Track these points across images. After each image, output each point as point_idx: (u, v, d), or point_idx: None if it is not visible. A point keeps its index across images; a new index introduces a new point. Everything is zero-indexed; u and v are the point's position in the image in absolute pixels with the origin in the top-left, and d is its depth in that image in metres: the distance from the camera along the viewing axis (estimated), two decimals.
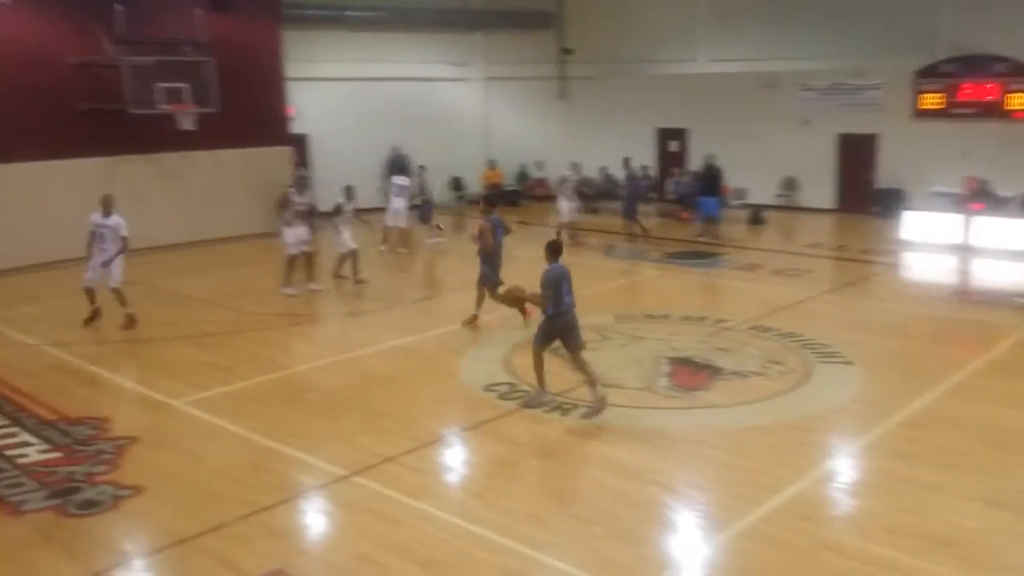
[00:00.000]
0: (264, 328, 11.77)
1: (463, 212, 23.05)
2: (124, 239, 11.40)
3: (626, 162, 19.01)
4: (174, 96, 16.72)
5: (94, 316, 11.79)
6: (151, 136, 17.13)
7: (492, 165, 24.06)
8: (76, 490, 6.90)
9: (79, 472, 7.22)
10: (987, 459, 7.35)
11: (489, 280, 11.39)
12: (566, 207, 18.12)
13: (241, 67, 18.16)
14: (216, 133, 17.61)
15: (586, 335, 10.77)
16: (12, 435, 8.08)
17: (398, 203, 17.16)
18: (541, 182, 24.71)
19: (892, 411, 8.38)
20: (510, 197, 23.59)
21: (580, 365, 8.47)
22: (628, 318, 11.86)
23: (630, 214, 18.54)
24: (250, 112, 18.48)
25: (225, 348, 10.84)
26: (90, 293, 11.67)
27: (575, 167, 19.86)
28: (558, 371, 9.52)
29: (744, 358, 10.06)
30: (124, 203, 17.06)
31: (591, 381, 8.37)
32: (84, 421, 8.34)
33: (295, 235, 13.51)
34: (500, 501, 6.67)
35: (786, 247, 17.95)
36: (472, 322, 11.41)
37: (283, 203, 14.10)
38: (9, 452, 7.67)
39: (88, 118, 16.45)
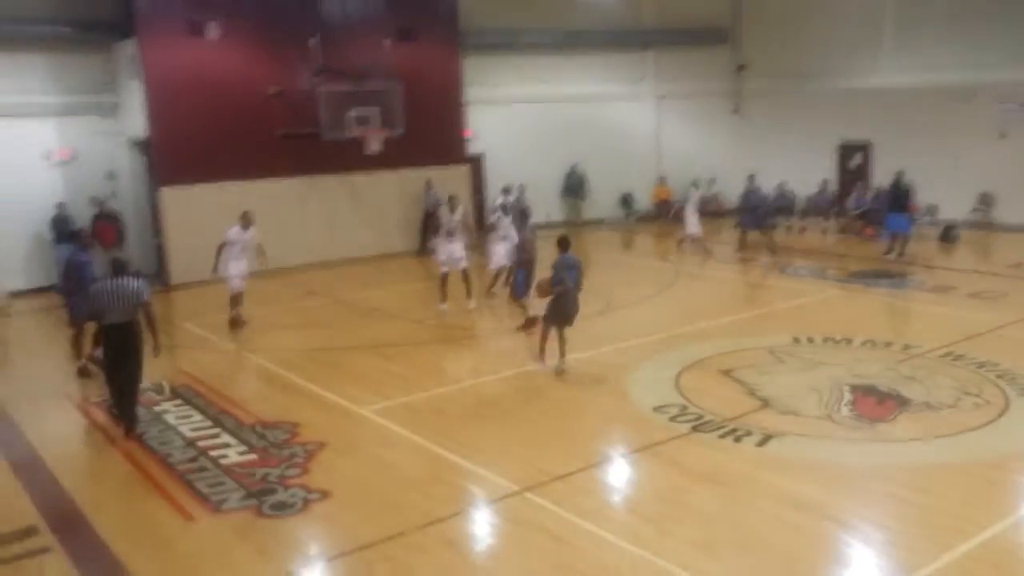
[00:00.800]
0: (442, 341, 12.30)
1: (632, 229, 23.06)
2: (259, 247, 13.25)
3: (750, 179, 19.11)
4: (363, 121, 17.78)
5: (239, 321, 13.29)
6: (341, 157, 18.30)
7: (662, 181, 23.91)
8: (271, 491, 7.45)
9: (274, 474, 7.81)
10: None
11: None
12: (693, 221, 18.34)
13: (424, 92, 19.12)
14: (400, 154, 18.60)
15: (760, 356, 10.70)
16: (215, 436, 8.85)
17: None
18: (715, 198, 24.26)
19: None
20: (678, 213, 23.32)
21: (563, 338, 10.47)
22: (806, 341, 11.45)
23: (752, 225, 18.51)
24: (432, 134, 19.43)
25: (406, 359, 11.39)
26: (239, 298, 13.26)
27: (708, 182, 19.43)
28: (732, 396, 9.40)
29: (935, 388, 9.48)
30: (317, 220, 18.49)
31: (562, 352, 10.45)
32: (279, 425, 9.02)
33: (448, 252, 13.90)
34: (671, 528, 6.63)
35: (982, 267, 16.73)
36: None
37: (434, 221, 14.68)
38: (213, 452, 8.40)
39: (285, 142, 17.82)
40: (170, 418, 9.38)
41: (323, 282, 16.38)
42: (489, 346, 12.68)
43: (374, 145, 18.01)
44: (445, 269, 13.92)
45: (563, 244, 10.63)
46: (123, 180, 17.83)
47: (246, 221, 13.04)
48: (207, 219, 16.91)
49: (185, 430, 9.01)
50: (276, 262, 15.91)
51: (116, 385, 8.96)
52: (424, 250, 19.02)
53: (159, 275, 17.10)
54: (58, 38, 16.84)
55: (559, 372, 10.38)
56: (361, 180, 18.79)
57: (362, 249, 18.67)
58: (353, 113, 17.69)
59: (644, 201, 24.06)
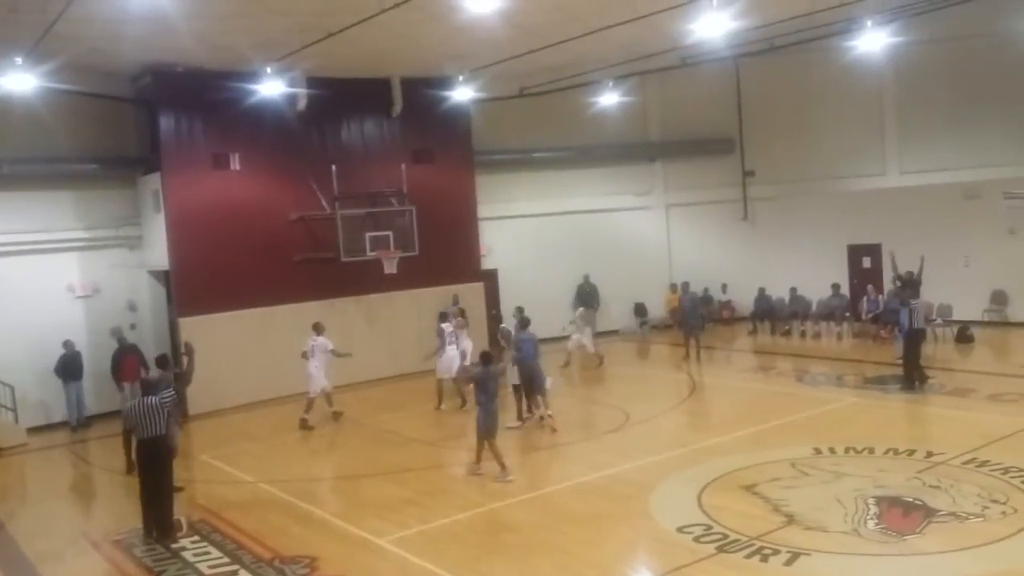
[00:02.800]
0: (459, 463, 12.22)
1: (646, 339, 23.12)
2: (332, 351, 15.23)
3: (684, 286, 20.74)
4: (380, 243, 18.22)
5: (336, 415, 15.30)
6: (358, 279, 18.68)
7: (674, 289, 24.12)
8: None
9: None
10: None
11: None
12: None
13: (440, 211, 19.67)
14: (416, 273, 18.98)
15: (782, 470, 10.59)
16: (233, 573, 8.76)
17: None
18: (727, 305, 24.41)
19: None
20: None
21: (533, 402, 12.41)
22: (828, 452, 11.33)
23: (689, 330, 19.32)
24: (447, 252, 19.89)
25: (423, 484, 11.32)
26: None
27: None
28: (756, 512, 9.27)
29: (960, 497, 9.32)
30: (335, 341, 18.64)
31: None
32: (297, 560, 8.92)
33: (444, 362, 15.50)
34: None
35: (1000, 368, 16.62)
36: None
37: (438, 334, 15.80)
38: None
39: (304, 267, 18.24)
40: (188, 555, 9.31)
41: (343, 405, 16.43)
42: (508, 467, 12.56)
43: (389, 267, 18.37)
44: (442, 376, 15.61)
45: (522, 323, 12.63)
46: (144, 311, 18.18)
47: (318, 329, 15.40)
48: (226, 348, 17.26)
49: (203, 567, 8.93)
50: (294, 387, 16.09)
51: (147, 495, 9.74)
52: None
53: (177, 406, 17.17)
54: (85, 175, 17.50)
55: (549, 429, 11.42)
56: (377, 301, 19.06)
57: (379, 370, 18.78)
58: (369, 236, 18.13)
59: (657, 310, 24.20)
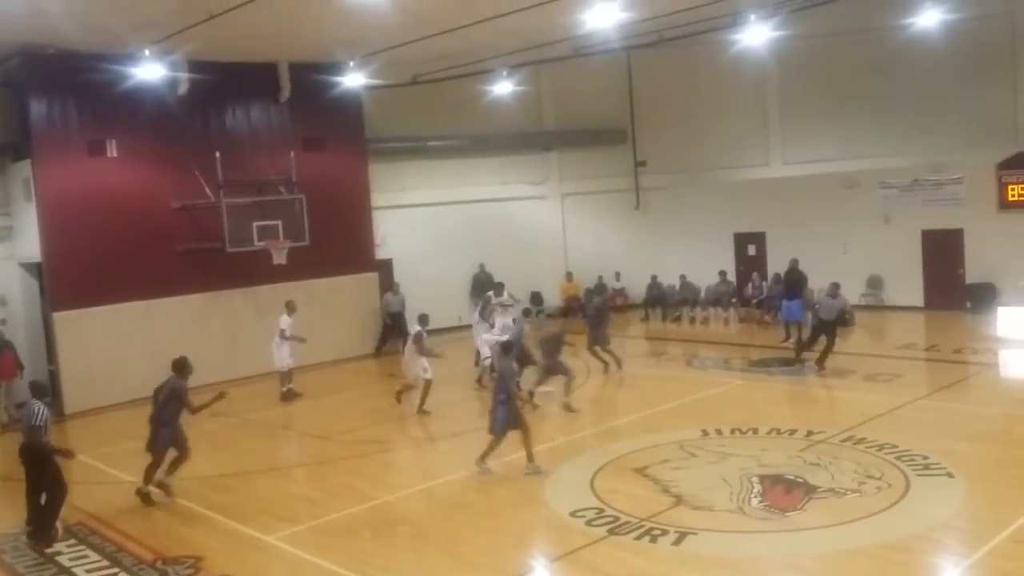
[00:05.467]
0: (352, 457, 12.01)
1: (542, 326, 23.28)
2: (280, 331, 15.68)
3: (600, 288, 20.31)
4: (269, 233, 17.68)
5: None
6: (246, 271, 18.05)
7: (569, 277, 24.41)
8: None
9: None
10: None
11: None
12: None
13: (331, 201, 19.22)
14: (307, 264, 18.47)
15: (671, 452, 10.84)
16: None
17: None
18: (620, 292, 24.85)
19: (999, 527, 7.96)
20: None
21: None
22: (715, 433, 11.67)
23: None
24: (339, 242, 19.45)
25: (315, 479, 11.09)
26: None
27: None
28: (646, 494, 9.45)
29: (839, 473, 9.74)
30: (220, 335, 17.98)
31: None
32: (181, 560, 8.57)
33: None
34: None
35: (876, 350, 17.47)
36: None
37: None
38: None
39: (188, 257, 17.53)
40: (64, 560, 8.83)
41: (227, 401, 15.83)
42: (403, 460, 12.46)
43: (278, 257, 17.87)
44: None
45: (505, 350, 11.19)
46: (16, 306, 17.14)
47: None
48: (104, 343, 16.48)
49: (80, 572, 8.49)
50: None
51: (32, 502, 9.46)
52: (380, 352, 19.99)
53: (51, 404, 16.28)
54: None
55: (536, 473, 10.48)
56: (265, 293, 18.49)
57: (270, 364, 18.21)
58: (257, 225, 17.58)
59: (554, 297, 24.42)
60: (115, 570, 8.50)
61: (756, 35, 17.49)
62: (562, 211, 24.98)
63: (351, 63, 18.46)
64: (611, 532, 8.50)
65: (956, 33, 18.31)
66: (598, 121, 24.69)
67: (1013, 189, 19.87)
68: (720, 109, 23.96)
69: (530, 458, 10.54)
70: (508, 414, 10.43)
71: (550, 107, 24.57)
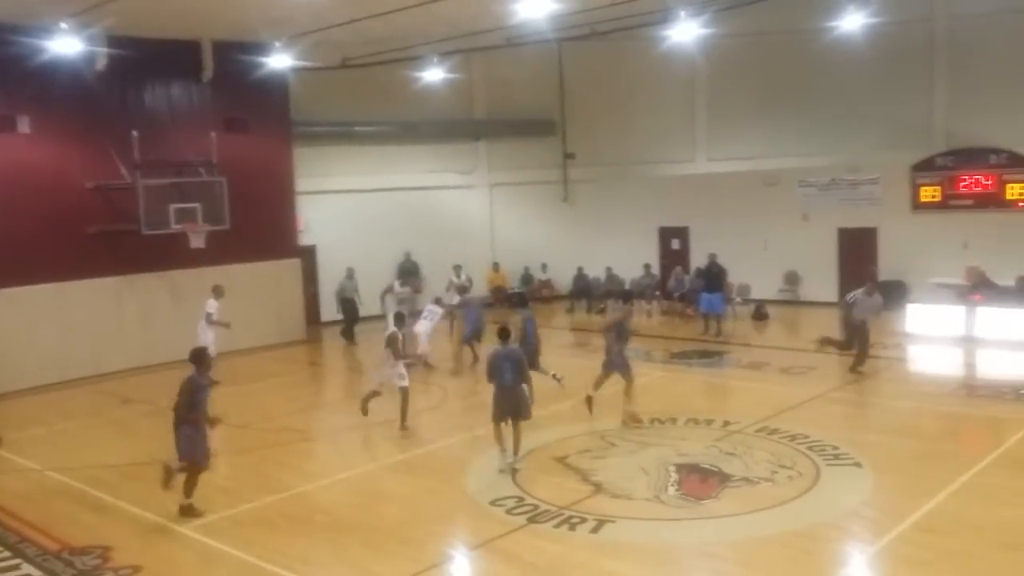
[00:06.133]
0: (271, 446, 11.77)
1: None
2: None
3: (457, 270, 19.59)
4: (187, 216, 17.18)
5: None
6: (163, 254, 17.53)
7: (496, 268, 24.41)
8: None
9: None
10: (1002, 564, 7.22)
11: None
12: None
13: (253, 184, 18.77)
14: (227, 248, 17.99)
15: (592, 442, 10.93)
16: (15, 568, 8.02)
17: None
18: (546, 283, 24.98)
19: (904, 515, 8.25)
20: (514, 299, 23.84)
21: (517, 435, 10.07)
22: (634, 423, 11.81)
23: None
24: (260, 227, 19.03)
25: (231, 468, 10.83)
26: None
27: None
28: (566, 483, 9.52)
29: (752, 463, 9.98)
30: (134, 320, 17.41)
31: (515, 449, 10.04)
32: (88, 550, 8.28)
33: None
34: None
35: (791, 343, 17.95)
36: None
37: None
38: None
39: (101, 239, 16.91)
40: None
41: (141, 388, 15.42)
42: (323, 450, 12.26)
43: (196, 241, 17.39)
44: None
45: (502, 335, 10.31)
46: None
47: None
48: (9, 326, 15.80)
49: None
50: (89, 369, 14.94)
51: None
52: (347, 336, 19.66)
53: None
54: None
55: (506, 470, 9.89)
56: (183, 277, 17.96)
57: (185, 351, 17.71)
58: (174, 207, 17.06)
59: (480, 287, 24.38)
60: (17, 561, 8.15)
61: (685, 32, 17.71)
62: (490, 201, 24.96)
63: (277, 44, 18.03)
64: (530, 520, 8.54)
65: (877, 37, 18.88)
66: (528, 112, 24.73)
67: (926, 190, 20.65)
68: (649, 104, 24.24)
69: (499, 445, 10.17)
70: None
71: (481, 96, 24.50)
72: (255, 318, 18.81)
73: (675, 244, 24.46)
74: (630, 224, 24.53)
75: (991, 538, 7.70)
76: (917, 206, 20.76)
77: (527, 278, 25.17)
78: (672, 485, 9.39)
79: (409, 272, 22.13)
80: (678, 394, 13.85)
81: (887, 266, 20.99)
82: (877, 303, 14.41)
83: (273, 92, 19.72)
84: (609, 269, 23.54)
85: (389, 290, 19.59)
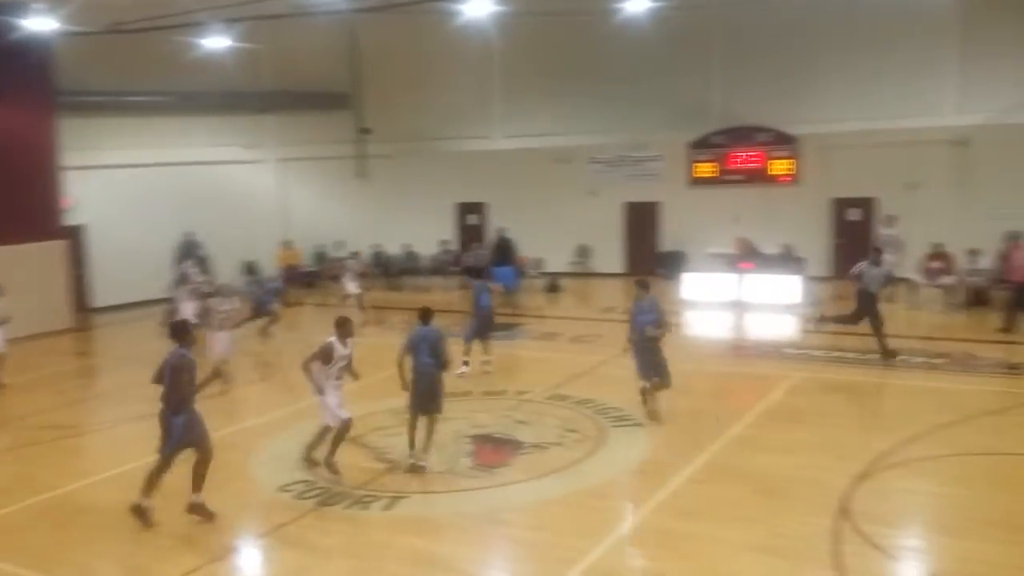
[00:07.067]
0: (31, 444, 10.74)
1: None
2: None
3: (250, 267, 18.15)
4: None
5: None
6: None
7: (288, 246, 23.62)
8: None
9: None
10: (763, 508, 7.82)
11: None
12: (352, 287, 18.43)
13: (9, 159, 17.19)
14: None
15: (386, 419, 10.81)
16: None
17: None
18: (342, 262, 24.46)
19: (678, 469, 8.78)
20: (307, 278, 23.25)
21: (428, 430, 9.10)
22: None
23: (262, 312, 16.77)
24: (17, 204, 17.38)
25: None
26: None
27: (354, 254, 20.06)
28: (359, 463, 9.34)
29: (543, 429, 10.26)
30: None
31: (426, 447, 9.07)
32: None
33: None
34: None
35: (582, 314, 18.65)
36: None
37: None
38: None
39: None
40: None
41: None
42: (90, 445, 11.33)
43: None
44: None
45: (424, 316, 9.49)
46: None
47: None
48: None
49: None
50: None
51: None
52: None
53: None
54: None
55: (414, 468, 8.96)
56: None
57: None
58: None
59: (270, 267, 23.49)
60: None
61: (478, 8, 17.75)
62: (280, 177, 24.09)
63: (36, 5, 16.31)
64: (321, 504, 8.33)
65: (660, 21, 19.82)
66: (321, 84, 24.03)
67: (702, 167, 22.04)
68: (447, 80, 24.21)
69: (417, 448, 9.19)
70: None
71: (268, 67, 23.50)
72: (14, 306, 17.04)
73: (473, 220, 24.69)
74: (428, 200, 24.50)
75: (752, 485, 8.33)
76: (694, 181, 22.12)
77: (321, 256, 24.53)
78: (466, 456, 9.48)
79: (190, 253, 20.74)
80: (473, 367, 13.95)
81: (668, 238, 22.28)
82: (884, 272, 13.86)
83: (32, 58, 17.82)
84: (408, 246, 23.41)
85: (183, 279, 17.75)
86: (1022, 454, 9.06)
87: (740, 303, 17.90)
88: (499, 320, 17.23)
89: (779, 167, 21.31)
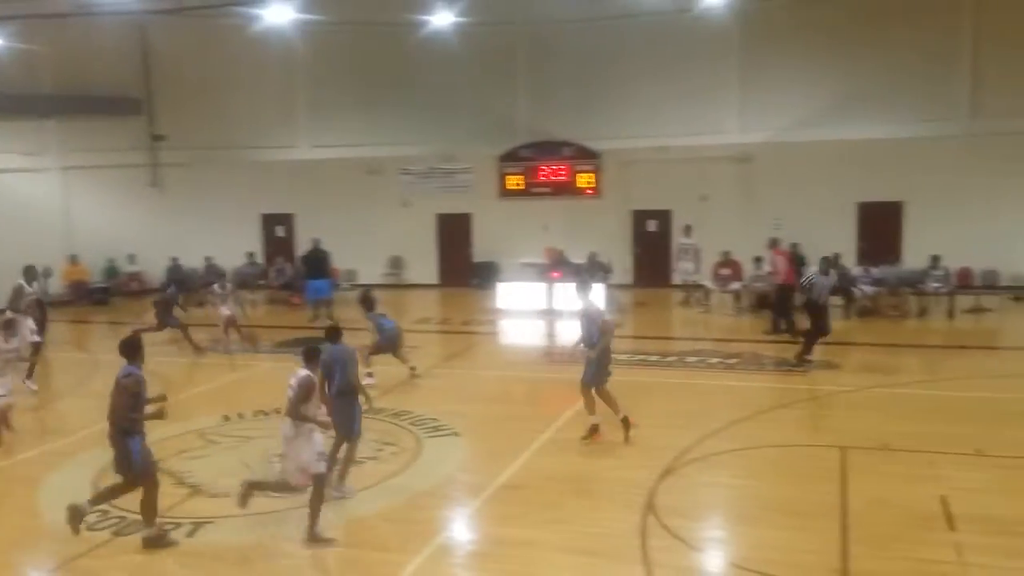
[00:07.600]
0: None
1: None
2: None
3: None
4: None
5: None
6: None
7: (74, 260, 21.87)
8: None
9: None
10: (576, 509, 8.03)
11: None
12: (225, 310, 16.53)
13: None
14: None
15: (190, 441, 10.21)
16: None
17: None
18: (135, 276, 22.94)
19: (495, 476, 8.86)
20: (97, 295, 21.62)
21: (346, 457, 8.54)
22: (237, 417, 11.29)
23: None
24: None
25: None
26: None
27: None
28: (161, 490, 8.71)
29: (359, 444, 10.01)
30: None
31: (342, 474, 8.49)
32: None
33: None
34: None
35: (400, 324, 18.42)
36: None
37: None
38: None
39: None
40: None
41: None
42: None
43: None
44: None
45: (332, 335, 8.85)
46: None
47: None
48: None
49: None
50: None
51: None
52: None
53: None
54: None
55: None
56: None
57: None
58: None
59: (54, 283, 21.64)
60: None
61: (280, 14, 17.29)
62: (64, 186, 22.30)
63: None
64: (116, 534, 7.73)
65: (467, 36, 20.12)
66: (108, 89, 22.49)
67: (511, 179, 22.54)
68: (248, 87, 23.36)
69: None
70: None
71: (49, 69, 21.72)
72: None
73: (280, 231, 23.93)
74: (231, 211, 23.49)
75: (565, 487, 8.54)
76: (504, 193, 22.58)
77: (112, 271, 22.90)
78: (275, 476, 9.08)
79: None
80: (285, 384, 13.43)
81: (480, 249, 22.59)
82: (832, 281, 13.99)
83: None
84: (209, 259, 22.30)
85: (20, 292, 15.28)
86: (803, 445, 9.85)
87: (550, 311, 18.41)
88: (313, 335, 16.82)
89: (583, 180, 22.17)
